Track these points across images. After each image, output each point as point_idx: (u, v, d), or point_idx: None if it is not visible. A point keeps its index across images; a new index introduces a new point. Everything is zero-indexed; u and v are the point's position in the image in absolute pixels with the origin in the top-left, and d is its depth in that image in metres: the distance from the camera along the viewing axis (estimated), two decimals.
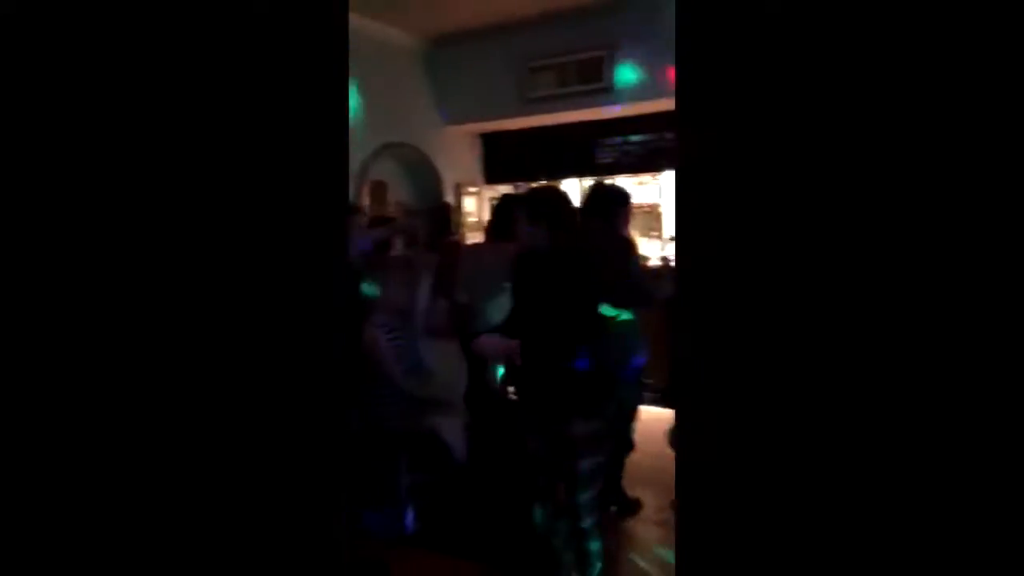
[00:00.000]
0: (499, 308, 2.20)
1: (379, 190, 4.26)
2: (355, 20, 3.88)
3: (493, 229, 2.73)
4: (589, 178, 4.45)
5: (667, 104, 3.70)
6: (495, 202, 3.35)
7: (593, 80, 4.00)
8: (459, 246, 3.33)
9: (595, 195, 2.47)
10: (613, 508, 2.51)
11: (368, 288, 2.26)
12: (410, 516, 2.21)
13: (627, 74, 3.94)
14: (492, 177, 5.12)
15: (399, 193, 4.45)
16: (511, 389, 2.21)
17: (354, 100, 3.94)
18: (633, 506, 2.57)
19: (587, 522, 1.78)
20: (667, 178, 4.55)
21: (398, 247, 3.13)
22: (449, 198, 4.64)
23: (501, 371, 2.29)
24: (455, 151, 4.81)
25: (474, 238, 4.45)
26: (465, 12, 3.93)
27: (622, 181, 3.66)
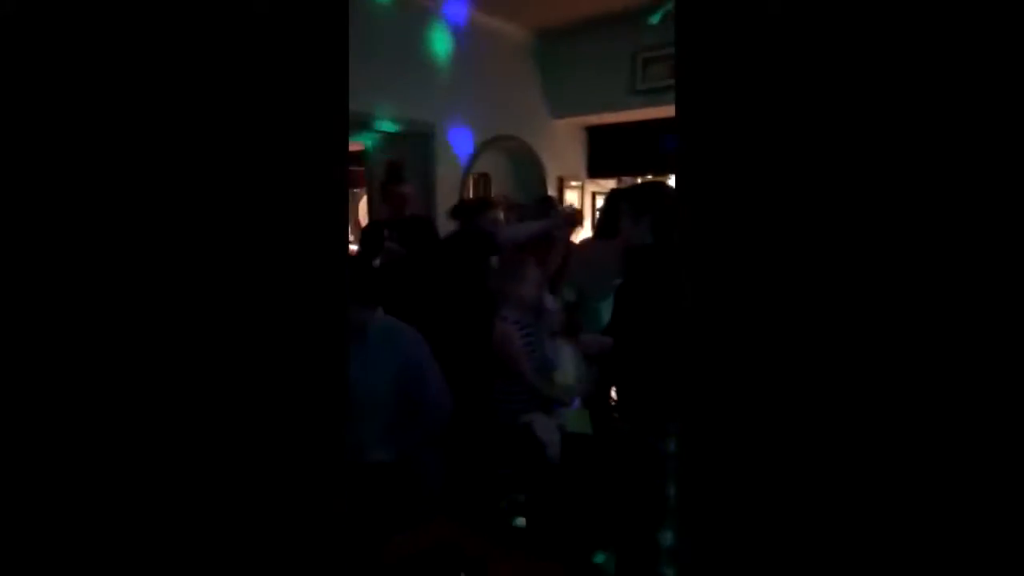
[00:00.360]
0: (610, 308, 2.15)
1: (483, 182, 4.30)
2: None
3: (601, 225, 2.68)
4: None
5: None
6: (602, 196, 3.27)
7: None
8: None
9: None
10: None
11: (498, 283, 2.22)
12: (504, 508, 2.22)
13: None
14: (595, 171, 5.05)
15: (503, 186, 4.47)
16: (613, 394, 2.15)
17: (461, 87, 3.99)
18: None
19: (670, 570, 1.41)
20: None
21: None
22: (551, 191, 4.61)
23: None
24: (560, 144, 4.77)
25: (575, 234, 4.40)
26: (575, 4, 3.86)
27: None
